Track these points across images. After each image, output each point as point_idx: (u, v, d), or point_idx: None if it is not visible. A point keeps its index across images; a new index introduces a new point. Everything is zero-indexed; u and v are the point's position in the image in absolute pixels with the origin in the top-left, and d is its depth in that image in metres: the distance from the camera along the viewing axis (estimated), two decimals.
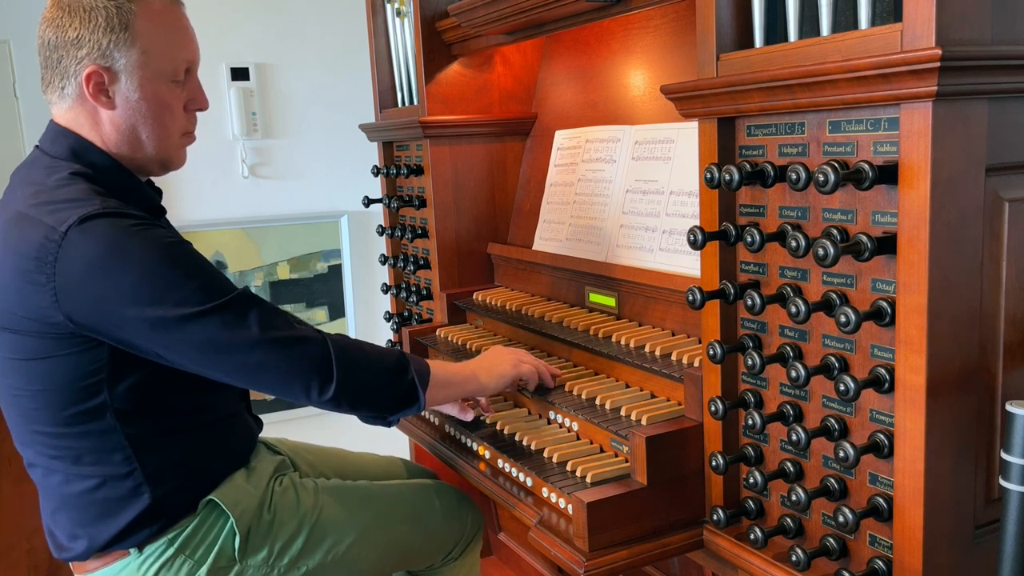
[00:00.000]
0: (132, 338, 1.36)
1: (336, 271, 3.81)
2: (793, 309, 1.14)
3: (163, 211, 1.58)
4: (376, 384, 1.52)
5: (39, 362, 1.39)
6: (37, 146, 1.51)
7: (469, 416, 1.83)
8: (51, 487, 1.49)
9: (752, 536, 1.30)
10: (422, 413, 2.04)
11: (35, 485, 1.55)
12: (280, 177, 3.67)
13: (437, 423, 1.99)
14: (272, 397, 1.73)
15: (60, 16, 1.42)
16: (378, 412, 1.55)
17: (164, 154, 1.52)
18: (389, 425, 1.60)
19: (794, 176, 1.13)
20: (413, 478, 2.02)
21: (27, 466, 1.54)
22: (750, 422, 1.28)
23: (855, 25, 1.13)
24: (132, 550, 1.48)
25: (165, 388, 1.46)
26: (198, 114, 1.59)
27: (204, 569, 1.50)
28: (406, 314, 2.62)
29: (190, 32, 1.52)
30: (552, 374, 1.77)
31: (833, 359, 1.18)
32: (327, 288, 3.80)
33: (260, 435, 1.74)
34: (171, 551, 1.48)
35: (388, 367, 1.53)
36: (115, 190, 1.44)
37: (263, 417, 1.78)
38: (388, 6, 2.44)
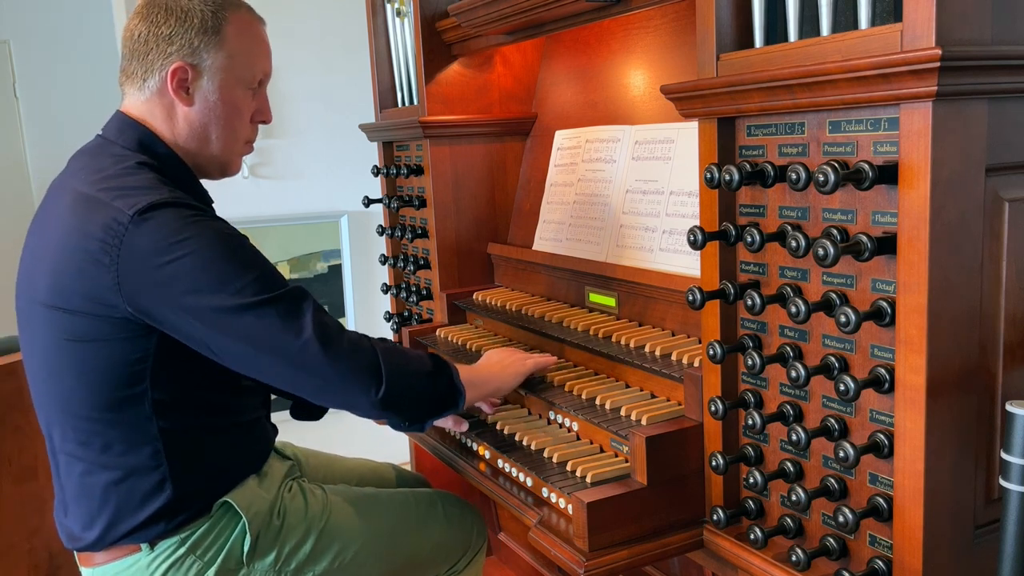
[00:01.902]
0: (187, 326, 1.38)
1: (336, 271, 3.81)
2: (793, 309, 1.14)
3: (214, 211, 1.60)
4: (420, 387, 1.54)
5: (89, 344, 1.41)
6: (100, 134, 1.55)
7: (464, 427, 1.83)
8: (72, 476, 1.50)
9: (752, 536, 1.30)
10: None
11: (39, 484, 1.56)
12: (280, 177, 3.67)
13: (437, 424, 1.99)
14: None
15: (155, 13, 1.50)
16: (419, 415, 1.57)
17: (227, 157, 1.60)
18: (423, 429, 1.62)
19: (794, 176, 1.13)
20: (402, 485, 2.02)
21: (49, 452, 1.55)
22: (750, 422, 1.28)
23: (855, 25, 1.13)
24: (144, 546, 1.48)
25: (203, 383, 1.49)
26: None
27: (212, 571, 1.50)
28: (406, 314, 2.62)
29: (269, 48, 1.62)
30: (550, 363, 1.84)
31: (833, 359, 1.18)
32: (327, 288, 3.80)
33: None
34: (182, 551, 1.49)
35: (428, 370, 1.56)
36: (178, 182, 1.48)
37: None
38: (388, 6, 2.44)
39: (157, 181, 1.43)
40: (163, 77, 1.50)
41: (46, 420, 1.53)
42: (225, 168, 1.62)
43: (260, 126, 1.67)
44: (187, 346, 1.42)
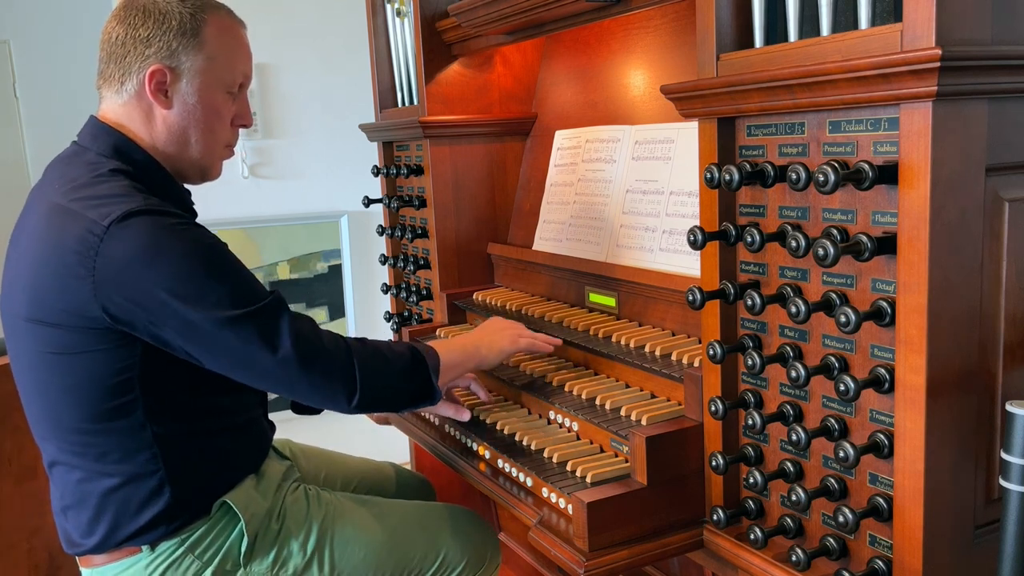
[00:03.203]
0: (167, 336, 1.37)
1: (336, 271, 3.81)
2: (793, 309, 1.14)
3: (195, 214, 1.60)
4: (396, 387, 1.57)
5: (73, 357, 1.39)
6: (75, 141, 1.53)
7: (465, 416, 1.83)
8: (70, 484, 1.49)
9: (752, 536, 1.30)
10: (421, 412, 2.04)
11: (39, 484, 1.55)
12: (280, 177, 3.67)
13: (437, 423, 1.99)
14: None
15: (133, 15, 1.47)
16: (395, 409, 1.62)
17: (207, 161, 1.58)
18: (400, 413, 1.67)
19: (794, 176, 1.13)
20: (403, 484, 2.02)
21: (46, 463, 1.54)
22: (750, 422, 1.28)
23: (855, 25, 1.13)
24: (144, 548, 1.48)
25: (193, 388, 1.48)
26: None
27: (209, 571, 1.50)
28: (406, 314, 2.62)
29: (249, 51, 1.60)
30: (551, 343, 1.83)
31: (833, 359, 1.18)
32: (327, 288, 3.80)
33: None
34: (181, 551, 1.49)
35: (406, 368, 1.58)
36: (153, 188, 1.46)
37: None
38: (388, 6, 2.44)
39: (131, 188, 1.41)
40: (141, 80, 1.47)
41: (39, 432, 1.52)
42: (205, 172, 1.60)
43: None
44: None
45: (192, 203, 1.61)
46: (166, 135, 1.51)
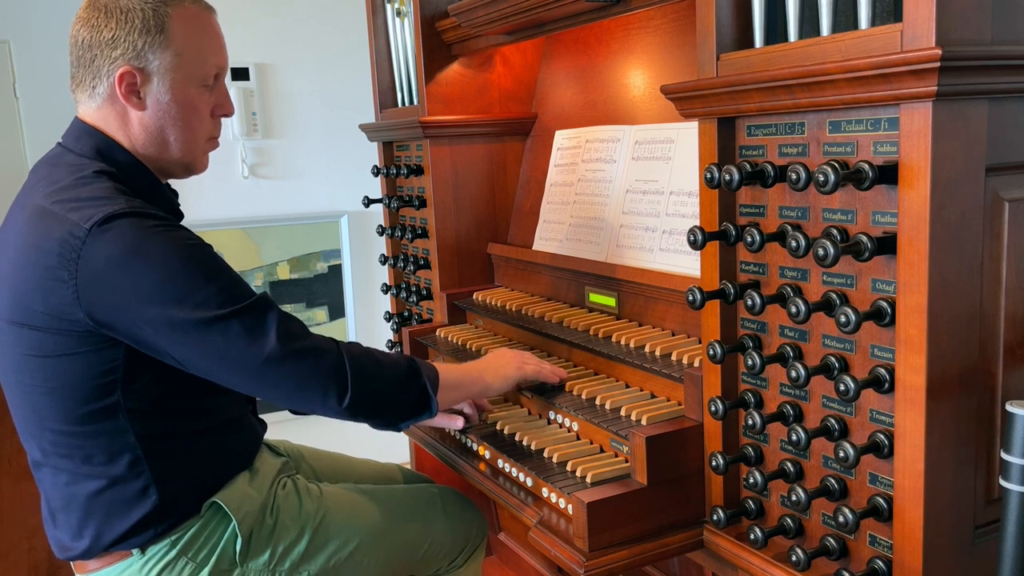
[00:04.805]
0: (150, 339, 1.36)
1: (336, 271, 3.82)
2: (793, 309, 1.14)
3: (181, 215, 1.58)
4: (390, 392, 1.52)
5: (55, 359, 1.39)
6: (60, 143, 1.51)
7: (459, 424, 1.81)
8: (58, 487, 1.49)
9: (752, 536, 1.30)
10: None
11: (37, 485, 1.55)
12: (280, 177, 3.67)
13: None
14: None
15: (96, 16, 1.43)
16: (391, 420, 1.55)
17: (189, 157, 1.54)
18: (399, 430, 1.61)
19: (794, 176, 1.13)
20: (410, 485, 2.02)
21: (32, 465, 1.54)
22: (750, 422, 1.28)
23: (855, 25, 1.13)
24: (135, 551, 1.48)
25: (177, 390, 1.46)
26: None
27: (205, 572, 1.50)
28: (406, 314, 2.62)
29: (221, 38, 1.55)
30: (557, 374, 1.76)
31: (833, 359, 1.18)
32: (327, 288, 3.80)
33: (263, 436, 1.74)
34: (173, 553, 1.48)
35: (400, 375, 1.53)
36: (138, 190, 1.44)
37: (264, 417, 1.78)
38: (388, 6, 2.44)
39: (114, 190, 1.39)
40: (111, 83, 1.44)
41: (27, 436, 1.51)
42: (190, 167, 1.56)
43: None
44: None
45: (178, 204, 1.60)
46: (144, 136, 1.48)
